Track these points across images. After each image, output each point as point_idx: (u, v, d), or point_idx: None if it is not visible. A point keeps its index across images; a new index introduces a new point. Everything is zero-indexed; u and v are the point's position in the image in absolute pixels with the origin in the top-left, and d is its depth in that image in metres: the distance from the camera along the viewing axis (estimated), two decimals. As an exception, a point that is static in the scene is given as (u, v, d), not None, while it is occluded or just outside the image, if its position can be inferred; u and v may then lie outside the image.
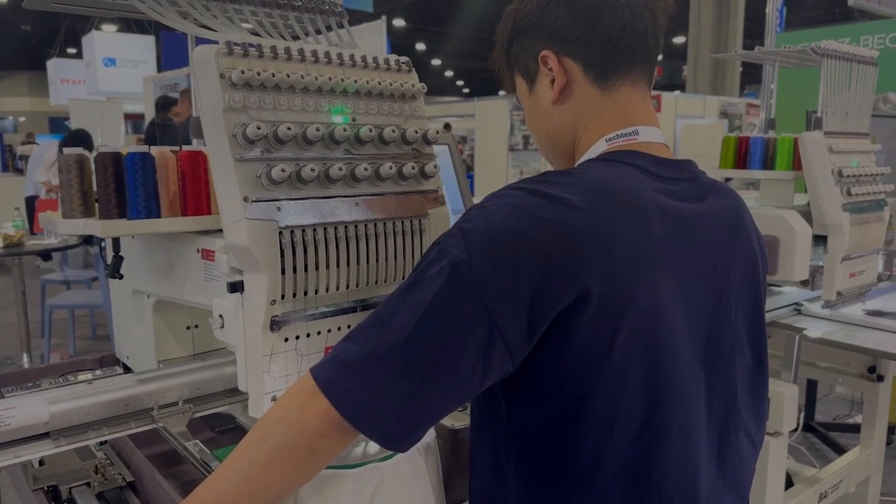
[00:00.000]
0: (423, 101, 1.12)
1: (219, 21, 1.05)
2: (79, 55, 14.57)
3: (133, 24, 13.64)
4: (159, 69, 13.03)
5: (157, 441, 1.19)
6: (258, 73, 0.89)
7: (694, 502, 0.87)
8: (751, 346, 0.95)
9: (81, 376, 1.19)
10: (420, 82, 1.09)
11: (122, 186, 1.18)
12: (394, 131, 1.02)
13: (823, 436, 3.41)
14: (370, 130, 0.98)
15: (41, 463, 1.06)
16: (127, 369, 1.51)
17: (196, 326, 1.45)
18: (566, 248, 0.76)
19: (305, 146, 0.94)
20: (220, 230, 1.18)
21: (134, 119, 12.20)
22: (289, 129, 0.90)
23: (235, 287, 0.93)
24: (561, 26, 0.89)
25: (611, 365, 0.79)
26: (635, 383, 0.80)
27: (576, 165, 0.90)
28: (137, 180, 1.15)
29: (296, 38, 1.12)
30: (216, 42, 0.96)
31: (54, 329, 4.95)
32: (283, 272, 0.91)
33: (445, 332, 0.76)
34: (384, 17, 5.46)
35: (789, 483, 2.28)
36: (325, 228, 0.95)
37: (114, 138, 10.96)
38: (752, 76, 16.93)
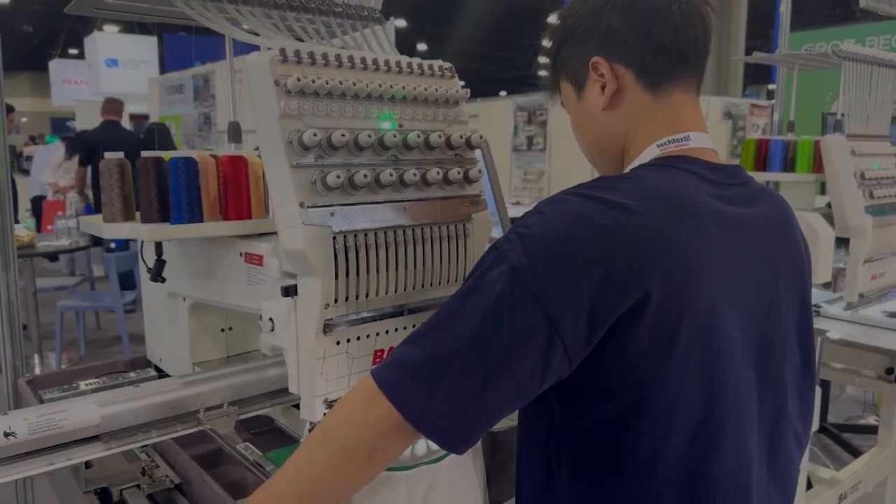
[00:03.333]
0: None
1: (263, 26, 1.07)
2: (81, 56, 14.59)
3: (135, 25, 13.67)
4: (162, 70, 13.05)
5: (198, 443, 1.20)
6: (312, 81, 0.91)
7: (746, 503, 0.88)
8: (800, 348, 0.96)
9: (126, 378, 1.19)
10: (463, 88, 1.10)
11: (164, 191, 1.19)
12: (439, 136, 1.03)
13: (837, 437, 3.41)
14: (417, 136, 0.99)
15: (88, 466, 1.07)
16: (159, 371, 1.52)
17: (230, 329, 1.47)
18: (626, 253, 0.77)
19: (356, 152, 0.95)
20: (262, 234, 1.20)
21: (137, 120, 12.22)
22: (343, 135, 0.91)
23: (289, 291, 0.94)
24: (614, 33, 0.90)
25: (669, 367, 0.80)
26: (692, 385, 0.81)
27: (628, 170, 0.91)
28: (181, 185, 1.16)
29: (333, 37, 1.14)
30: (254, 46, 0.97)
31: (50, 332, 4.94)
32: (336, 276, 0.92)
33: (505, 336, 0.77)
34: (392, 19, 5.47)
35: (808, 485, 2.29)
36: (375, 233, 0.96)
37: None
38: (752, 77, 16.95)
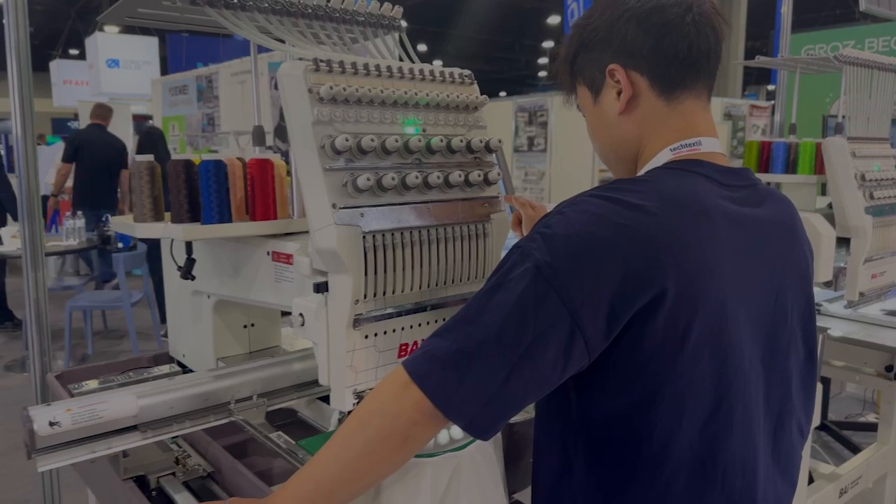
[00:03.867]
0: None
1: (291, 34, 1.12)
2: (81, 56, 14.62)
3: (136, 26, 13.70)
4: (163, 71, 13.08)
5: (226, 434, 1.25)
6: (344, 89, 0.96)
7: (753, 489, 0.93)
8: (803, 342, 1.01)
9: (159, 371, 1.24)
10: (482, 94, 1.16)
11: (194, 192, 1.24)
12: (461, 141, 1.08)
13: (837, 434, 3.47)
14: (440, 140, 1.04)
15: (125, 455, 1.12)
16: (182, 367, 1.57)
17: (252, 325, 1.52)
18: (643, 252, 0.82)
19: (384, 156, 1.00)
20: (288, 234, 1.25)
21: (139, 120, 12.26)
22: (372, 140, 0.96)
23: (320, 287, 0.99)
24: (630, 42, 0.95)
25: (682, 360, 0.85)
26: (704, 377, 0.86)
27: (642, 173, 0.96)
28: (211, 186, 1.21)
29: (355, 43, 1.19)
30: (268, 50, 1.02)
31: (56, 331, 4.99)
32: (365, 273, 0.97)
33: (529, 329, 0.82)
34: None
35: (809, 479, 2.34)
36: (401, 233, 1.01)
37: (123, 140, 10.96)
38: (751, 78, 17.01)
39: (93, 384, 1.24)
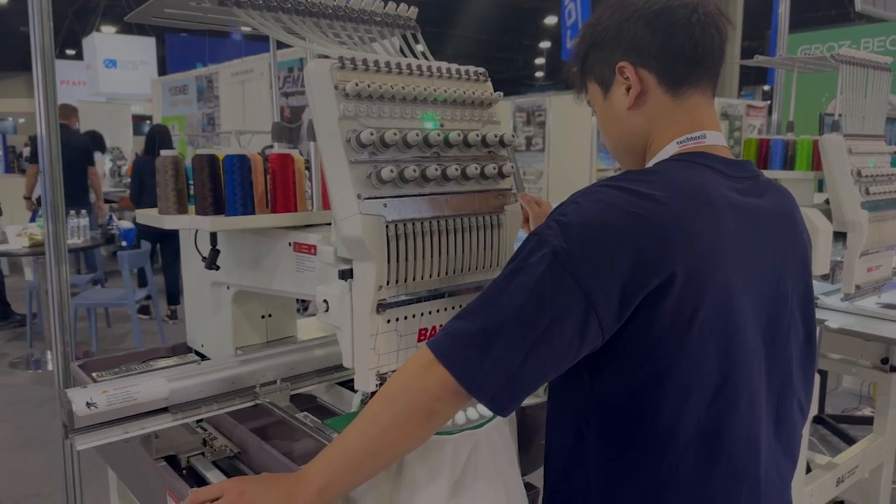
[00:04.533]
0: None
1: (313, 33, 1.17)
2: (78, 56, 14.63)
3: (134, 26, 13.71)
4: (161, 70, 13.10)
5: (250, 418, 1.29)
6: (368, 86, 1.01)
7: (757, 465, 0.98)
8: (803, 326, 1.06)
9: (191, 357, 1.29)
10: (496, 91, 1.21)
11: (218, 185, 1.29)
12: (476, 135, 1.13)
13: (834, 427, 3.53)
14: (458, 135, 1.10)
15: (155, 436, 1.17)
16: (201, 356, 1.62)
17: (270, 315, 1.57)
18: (654, 238, 0.87)
19: (405, 150, 1.06)
20: (308, 226, 1.30)
21: (138, 121, 12.28)
22: (394, 134, 1.01)
23: (345, 275, 1.04)
24: (639, 41, 1.00)
25: (689, 341, 0.90)
26: (710, 357, 0.92)
27: (651, 165, 1.02)
28: (235, 180, 1.26)
29: (373, 41, 1.24)
30: (288, 47, 1.07)
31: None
32: (388, 261, 1.02)
33: (547, 311, 0.87)
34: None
35: (807, 469, 2.40)
36: (421, 223, 1.06)
37: (123, 140, 11.01)
38: (747, 78, 17.08)
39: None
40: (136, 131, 11.95)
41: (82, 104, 11.79)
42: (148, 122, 11.70)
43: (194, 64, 10.49)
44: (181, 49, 12.42)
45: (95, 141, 7.22)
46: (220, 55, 10.00)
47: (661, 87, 1.01)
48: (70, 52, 17.78)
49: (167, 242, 5.69)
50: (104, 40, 13.26)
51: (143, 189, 5.86)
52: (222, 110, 8.21)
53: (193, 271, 1.57)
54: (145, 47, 13.16)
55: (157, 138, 6.12)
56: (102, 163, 7.14)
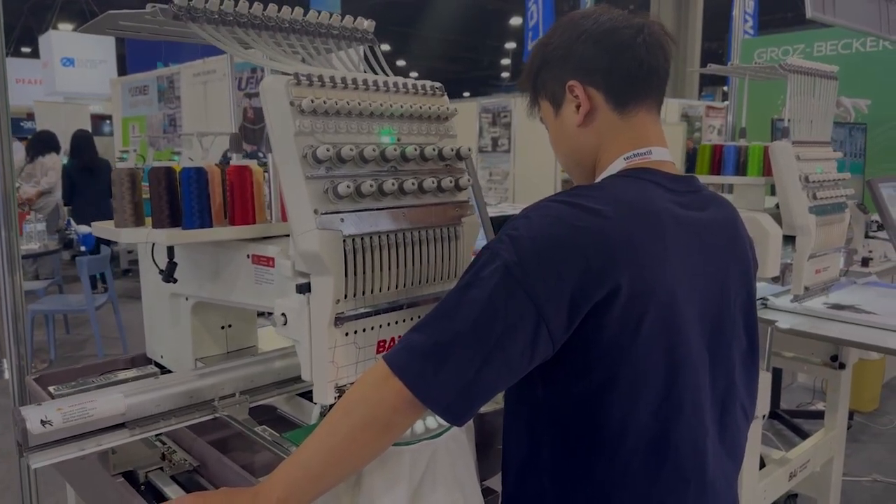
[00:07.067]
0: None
1: (269, 47, 1.18)
2: (34, 54, 14.27)
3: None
4: (120, 69, 12.84)
5: (209, 431, 1.30)
6: (324, 101, 1.02)
7: (703, 468, 1.02)
8: (745, 332, 1.11)
9: (148, 371, 1.28)
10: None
11: (174, 198, 1.29)
12: (433, 149, 1.15)
13: (788, 422, 3.64)
14: (414, 149, 1.12)
15: (112, 452, 1.16)
16: (160, 367, 1.61)
17: (230, 326, 1.56)
18: (600, 251, 0.91)
19: (362, 164, 1.07)
20: (266, 238, 1.31)
21: (95, 121, 12.01)
22: (351, 149, 1.03)
23: (303, 289, 1.05)
24: (587, 60, 1.04)
25: (636, 349, 0.94)
26: (655, 365, 0.95)
27: (599, 181, 1.05)
28: (192, 193, 1.26)
29: (329, 52, 1.25)
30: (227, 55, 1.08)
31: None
32: (346, 275, 1.04)
33: (499, 323, 0.90)
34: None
35: (761, 464, 2.48)
36: (378, 236, 1.08)
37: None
38: (707, 79, 17.43)
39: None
40: (96, 131, 11.70)
41: (38, 104, 11.51)
42: (108, 121, 11.46)
43: (155, 63, 10.32)
44: (141, 48, 12.19)
45: (48, 141, 7.07)
46: (181, 55, 9.85)
47: (608, 104, 1.05)
48: (25, 49, 17.32)
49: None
50: (61, 38, 12.95)
51: (74, 188, 6.41)
52: (184, 111, 8.10)
53: (151, 282, 1.56)
54: (104, 46, 12.88)
55: (80, 143, 6.35)
56: (59, 162, 6.99)
